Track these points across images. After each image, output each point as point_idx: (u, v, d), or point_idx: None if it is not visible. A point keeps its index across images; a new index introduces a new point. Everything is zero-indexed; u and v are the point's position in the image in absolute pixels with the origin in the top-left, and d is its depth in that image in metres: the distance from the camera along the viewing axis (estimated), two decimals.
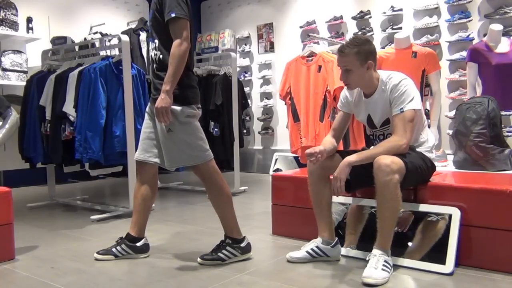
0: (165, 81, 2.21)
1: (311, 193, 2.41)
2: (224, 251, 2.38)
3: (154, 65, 2.38)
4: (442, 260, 2.16)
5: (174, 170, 5.62)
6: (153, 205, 3.89)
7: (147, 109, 2.53)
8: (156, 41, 2.35)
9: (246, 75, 6.93)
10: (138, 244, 2.52)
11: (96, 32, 5.56)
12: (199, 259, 2.38)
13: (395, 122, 2.26)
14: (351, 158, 2.21)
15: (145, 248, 2.55)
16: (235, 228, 2.44)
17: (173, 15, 2.20)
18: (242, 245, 2.42)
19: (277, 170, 5.91)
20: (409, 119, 2.23)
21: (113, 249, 2.51)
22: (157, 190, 2.64)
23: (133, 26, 5.63)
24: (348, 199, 2.60)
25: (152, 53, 2.40)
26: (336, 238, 2.40)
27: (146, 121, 2.49)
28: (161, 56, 2.33)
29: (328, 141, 2.43)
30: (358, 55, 2.26)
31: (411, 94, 2.26)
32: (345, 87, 2.54)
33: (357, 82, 2.34)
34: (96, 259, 2.49)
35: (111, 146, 3.56)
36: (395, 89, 2.27)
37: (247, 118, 6.85)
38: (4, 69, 4.94)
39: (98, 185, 5.67)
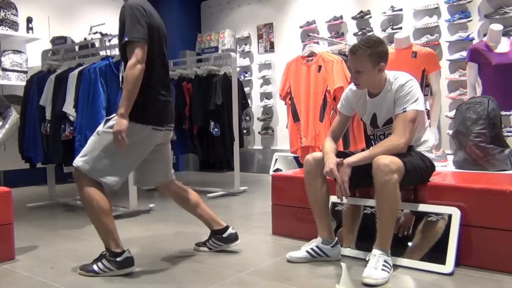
0: (119, 105, 2.15)
1: (309, 192, 2.41)
2: (99, 264, 2.27)
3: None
4: (442, 260, 2.16)
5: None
6: (152, 205, 3.90)
7: None
8: (123, 63, 2.30)
9: (246, 75, 6.93)
10: (225, 235, 2.57)
11: (96, 32, 5.57)
12: (78, 270, 2.30)
13: (396, 122, 2.26)
14: (351, 159, 2.21)
15: (235, 237, 2.60)
16: (112, 241, 2.26)
17: (126, 39, 2.16)
18: (119, 259, 2.24)
19: (277, 170, 5.92)
20: (410, 120, 2.23)
21: (207, 244, 2.61)
22: (185, 189, 2.63)
23: None
24: (348, 200, 2.59)
25: (123, 74, 2.32)
26: (336, 238, 2.40)
27: None
28: None
29: (331, 148, 2.36)
30: (370, 57, 2.24)
31: (416, 95, 2.26)
32: (348, 88, 2.54)
33: (367, 83, 2.34)
34: (195, 250, 2.64)
35: None
36: (400, 89, 2.28)
37: (247, 118, 6.85)
38: (4, 69, 4.94)
39: None
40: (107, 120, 2.26)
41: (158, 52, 2.31)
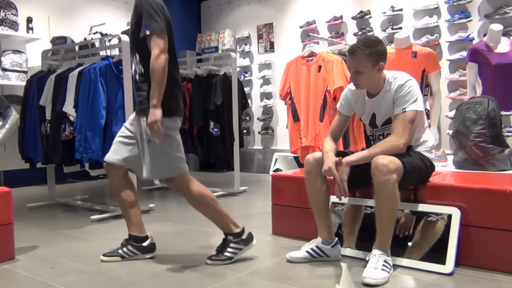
0: (151, 96, 2.22)
1: (309, 192, 2.41)
2: (229, 249, 2.38)
3: (137, 77, 2.40)
4: (442, 260, 2.16)
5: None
6: (152, 205, 3.90)
7: (126, 122, 2.54)
8: (137, 55, 2.37)
9: (246, 75, 6.93)
10: (145, 244, 2.52)
11: (96, 32, 5.56)
12: (208, 261, 2.39)
13: (395, 122, 2.26)
14: (349, 158, 2.22)
15: (152, 248, 2.54)
16: (231, 224, 2.43)
17: (148, 32, 2.21)
18: (244, 237, 2.42)
19: (277, 170, 5.91)
20: (409, 120, 2.23)
21: (119, 251, 2.49)
22: (134, 188, 2.59)
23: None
24: (348, 200, 2.59)
25: (136, 67, 2.42)
26: (336, 238, 2.40)
27: (123, 128, 2.51)
28: (142, 70, 2.34)
29: (331, 148, 2.37)
30: (369, 57, 2.24)
31: (415, 95, 2.26)
32: (347, 88, 2.54)
33: (367, 83, 2.34)
34: (102, 261, 2.47)
35: (111, 146, 3.55)
36: (400, 89, 2.28)
37: (247, 118, 6.85)
38: (4, 69, 4.94)
39: (98, 185, 5.67)
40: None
41: (173, 45, 2.35)
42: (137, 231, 2.52)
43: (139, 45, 2.33)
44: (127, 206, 2.52)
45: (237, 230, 2.42)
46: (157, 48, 2.19)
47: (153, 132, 2.23)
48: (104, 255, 2.50)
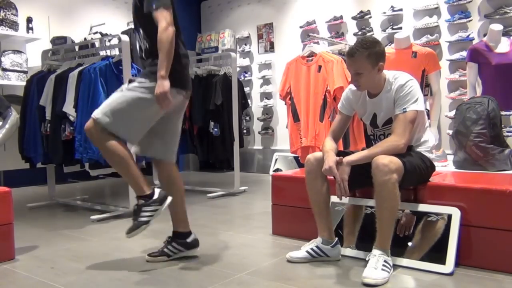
0: (158, 68, 2.21)
1: (309, 192, 2.41)
2: (143, 213, 2.26)
3: (143, 54, 2.42)
4: (442, 260, 2.16)
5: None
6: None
7: None
8: (141, 30, 2.38)
9: (246, 75, 6.93)
10: (189, 239, 2.49)
11: (96, 32, 5.57)
12: (126, 234, 2.28)
13: (396, 122, 2.27)
14: (350, 158, 2.22)
15: (196, 243, 2.51)
16: (144, 184, 2.28)
17: (154, 6, 2.22)
18: (155, 197, 2.27)
19: (277, 170, 5.92)
20: (410, 120, 2.23)
21: (165, 249, 2.47)
22: (181, 183, 2.52)
23: (133, 26, 5.63)
24: (348, 200, 2.60)
25: (140, 43, 2.44)
26: (336, 238, 2.40)
27: None
28: (147, 46, 2.35)
29: (331, 147, 2.37)
30: (369, 58, 2.25)
31: (416, 96, 2.27)
32: (348, 88, 2.54)
33: (368, 84, 2.34)
34: (148, 261, 2.44)
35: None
36: (400, 89, 2.28)
37: (247, 118, 6.85)
38: (4, 69, 4.94)
39: (98, 185, 5.67)
40: (131, 81, 2.31)
41: (176, 18, 2.34)
42: (181, 227, 2.50)
43: (143, 20, 2.33)
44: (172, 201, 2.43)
45: (149, 192, 2.28)
46: (164, 21, 2.20)
47: (160, 103, 2.21)
48: (149, 255, 2.47)
